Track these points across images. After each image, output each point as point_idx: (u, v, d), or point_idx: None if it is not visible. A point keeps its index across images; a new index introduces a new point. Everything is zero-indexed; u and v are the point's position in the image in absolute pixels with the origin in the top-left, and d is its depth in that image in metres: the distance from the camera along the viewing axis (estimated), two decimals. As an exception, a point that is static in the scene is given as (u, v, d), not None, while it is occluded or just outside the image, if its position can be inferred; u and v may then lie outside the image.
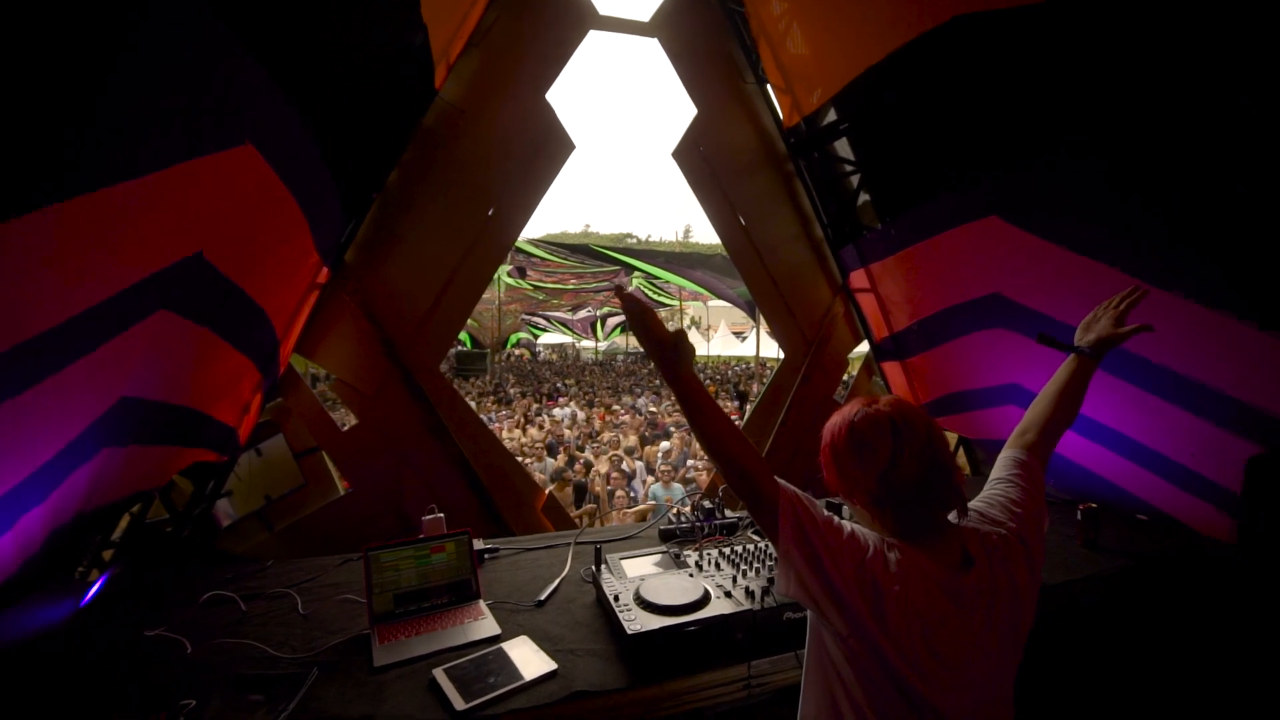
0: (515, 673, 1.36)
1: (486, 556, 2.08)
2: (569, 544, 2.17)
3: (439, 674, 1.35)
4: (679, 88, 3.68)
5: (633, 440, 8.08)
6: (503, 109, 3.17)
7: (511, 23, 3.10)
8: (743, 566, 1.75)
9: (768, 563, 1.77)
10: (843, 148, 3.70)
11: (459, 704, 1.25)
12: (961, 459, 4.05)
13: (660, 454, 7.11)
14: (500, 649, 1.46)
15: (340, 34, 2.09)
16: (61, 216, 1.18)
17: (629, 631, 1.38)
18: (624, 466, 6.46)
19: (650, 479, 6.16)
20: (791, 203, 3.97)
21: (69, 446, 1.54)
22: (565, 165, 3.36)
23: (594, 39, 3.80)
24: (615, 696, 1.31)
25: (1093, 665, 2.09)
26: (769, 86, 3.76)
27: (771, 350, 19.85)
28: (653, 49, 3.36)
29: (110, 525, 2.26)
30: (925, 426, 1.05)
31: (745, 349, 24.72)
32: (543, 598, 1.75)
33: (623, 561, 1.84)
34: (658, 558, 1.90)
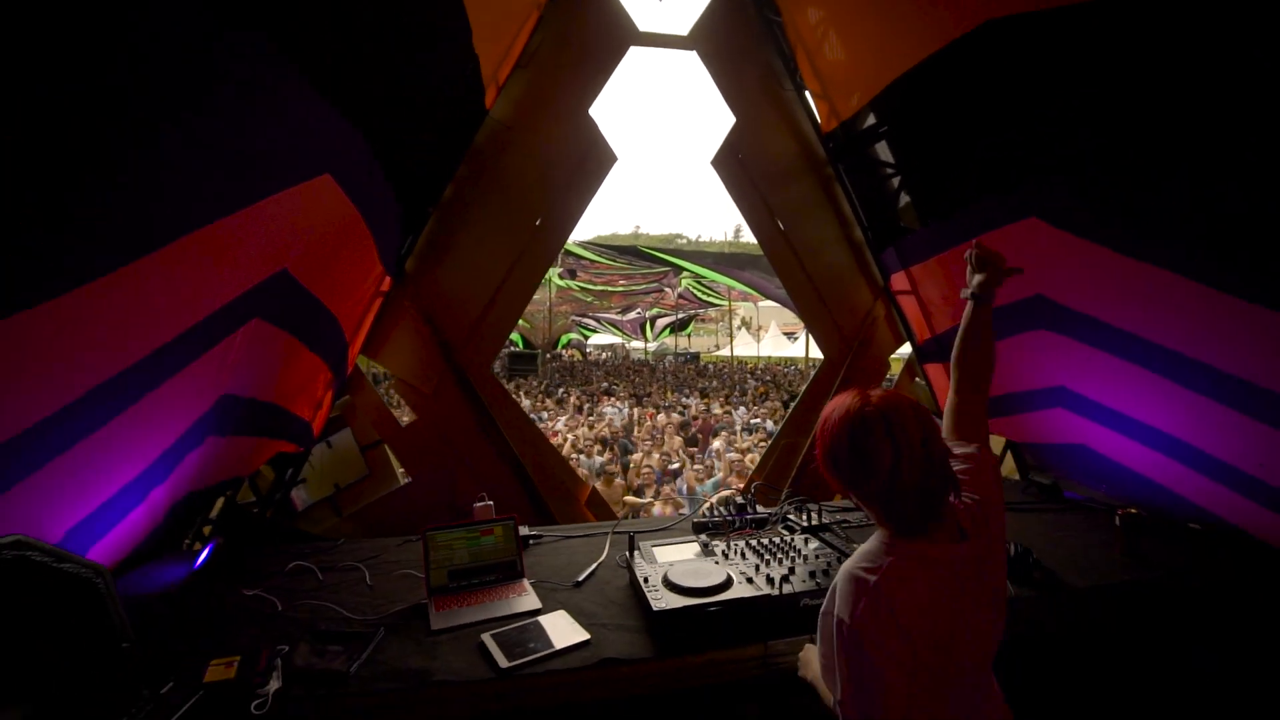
0: (552, 640, 1.53)
1: (531, 541, 2.27)
2: (607, 533, 2.32)
3: (486, 638, 1.53)
4: (718, 97, 3.79)
5: (678, 440, 8.22)
6: (549, 125, 3.37)
7: (556, 44, 3.30)
8: (766, 557, 1.85)
9: (792, 554, 1.87)
10: (882, 151, 3.72)
11: (503, 662, 1.43)
12: (1009, 464, 3.97)
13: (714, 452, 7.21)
14: (539, 621, 1.63)
15: (400, 68, 2.33)
16: (177, 250, 1.43)
17: (654, 608, 1.52)
18: (672, 466, 6.62)
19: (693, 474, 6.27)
20: (831, 206, 4.00)
21: (185, 434, 1.82)
22: (608, 176, 3.54)
23: (635, 55, 3.95)
24: (640, 665, 1.46)
25: (1118, 675, 2.06)
26: (807, 93, 3.82)
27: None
28: (693, 60, 3.46)
29: (209, 505, 2.58)
30: (919, 427, 1.06)
31: (796, 350, 24.35)
32: (580, 579, 1.91)
33: (655, 549, 1.98)
34: (688, 547, 2.03)
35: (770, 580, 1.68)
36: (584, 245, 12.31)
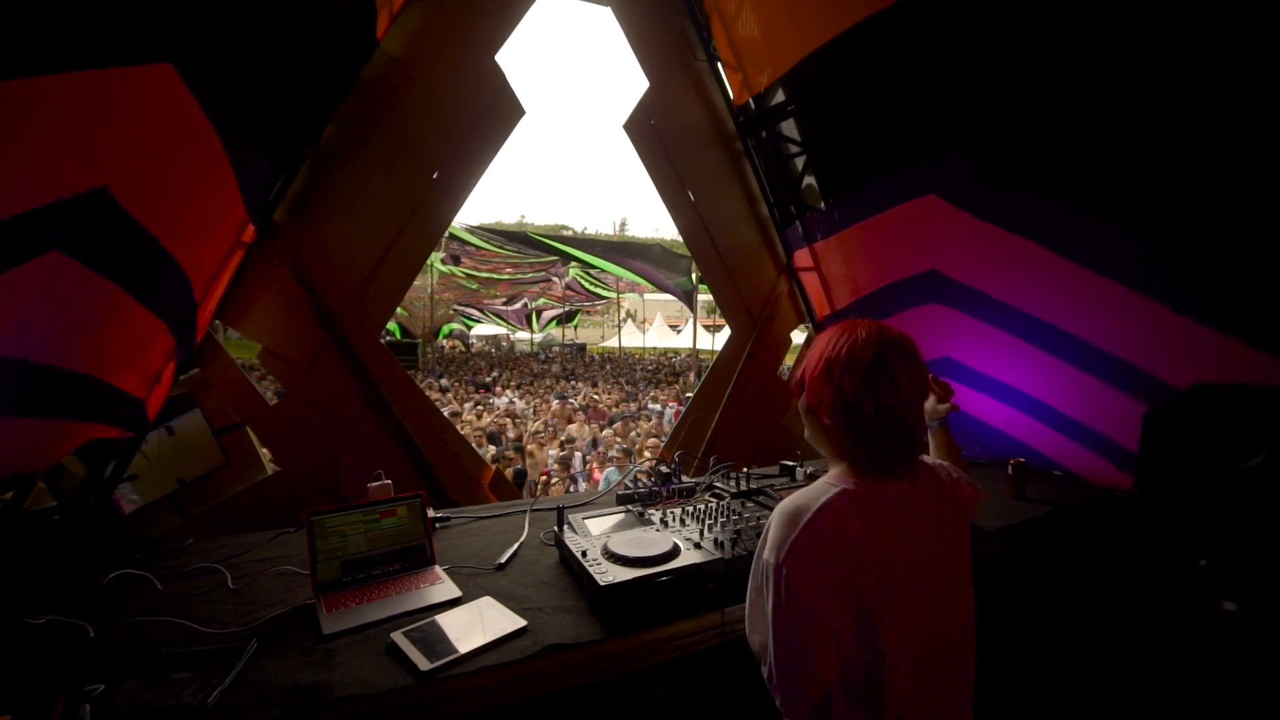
0: (482, 631, 1.29)
1: (438, 525, 1.98)
2: (525, 511, 2.10)
3: (398, 637, 1.25)
4: (621, 62, 3.63)
5: (572, 430, 8.02)
6: (449, 67, 3.00)
7: (459, -25, 2.94)
8: (708, 521, 1.75)
9: (732, 518, 1.78)
10: (790, 128, 3.78)
11: (423, 664, 1.17)
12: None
13: (615, 436, 7.09)
14: (434, 620, 1.37)
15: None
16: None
17: (601, 584, 1.35)
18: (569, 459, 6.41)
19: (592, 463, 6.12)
20: (740, 182, 4.01)
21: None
22: (514, 131, 3.24)
23: (545, 4, 3.68)
24: (591, 649, 1.27)
25: (1030, 600, 2.27)
26: (720, 64, 3.78)
27: (706, 343, 20.28)
28: (600, 18, 3.29)
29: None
30: (922, 369, 1.06)
31: (680, 341, 25.10)
32: (503, 560, 1.68)
33: (586, 521, 1.79)
34: (620, 517, 1.87)
35: (719, 544, 1.57)
36: (470, 230, 11.60)
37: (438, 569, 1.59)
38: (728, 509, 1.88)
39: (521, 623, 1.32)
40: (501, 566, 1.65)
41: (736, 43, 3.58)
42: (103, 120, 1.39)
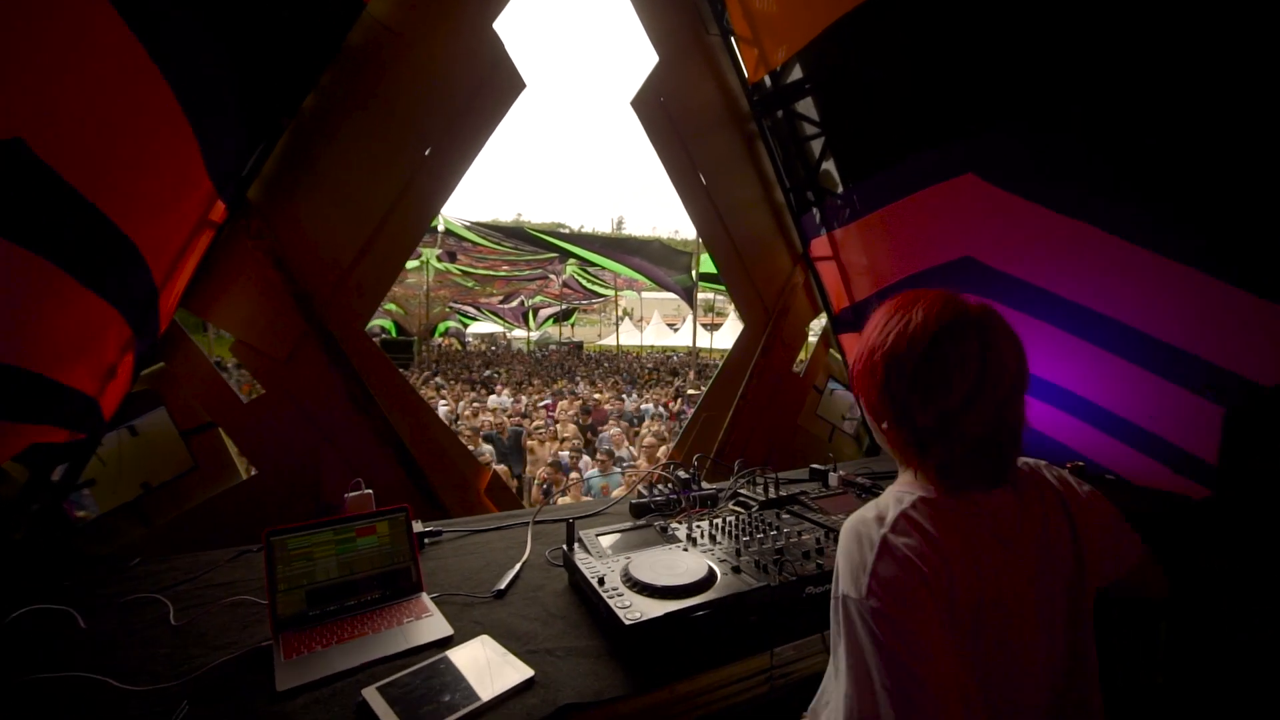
0: (474, 686, 1.03)
1: (427, 541, 1.72)
2: (526, 523, 1.84)
3: (372, 695, 0.99)
4: (627, 36, 3.38)
5: (571, 429, 7.77)
6: (444, 35, 2.74)
7: (452, -68, 2.68)
8: (743, 538, 1.49)
9: (770, 533, 1.53)
10: (807, 108, 3.53)
11: (402, 733, 0.91)
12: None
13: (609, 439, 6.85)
14: (450, 657, 1.12)
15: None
16: None
17: (627, 622, 1.09)
18: (567, 458, 6.16)
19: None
20: (754, 165, 3.76)
21: None
22: (513, 106, 2.98)
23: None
24: (616, 706, 1.01)
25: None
26: (734, 39, 3.53)
27: (705, 341, 20.04)
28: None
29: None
30: (1015, 353, 0.82)
31: (678, 340, 24.86)
32: (502, 586, 1.42)
33: (599, 538, 1.53)
34: (637, 532, 1.61)
35: (761, 567, 1.32)
36: (467, 226, 11.33)
37: (425, 598, 1.34)
38: (761, 521, 1.63)
39: (528, 672, 1.06)
40: (501, 593, 1.40)
41: (753, 15, 3.32)
42: (31, 65, 1.13)
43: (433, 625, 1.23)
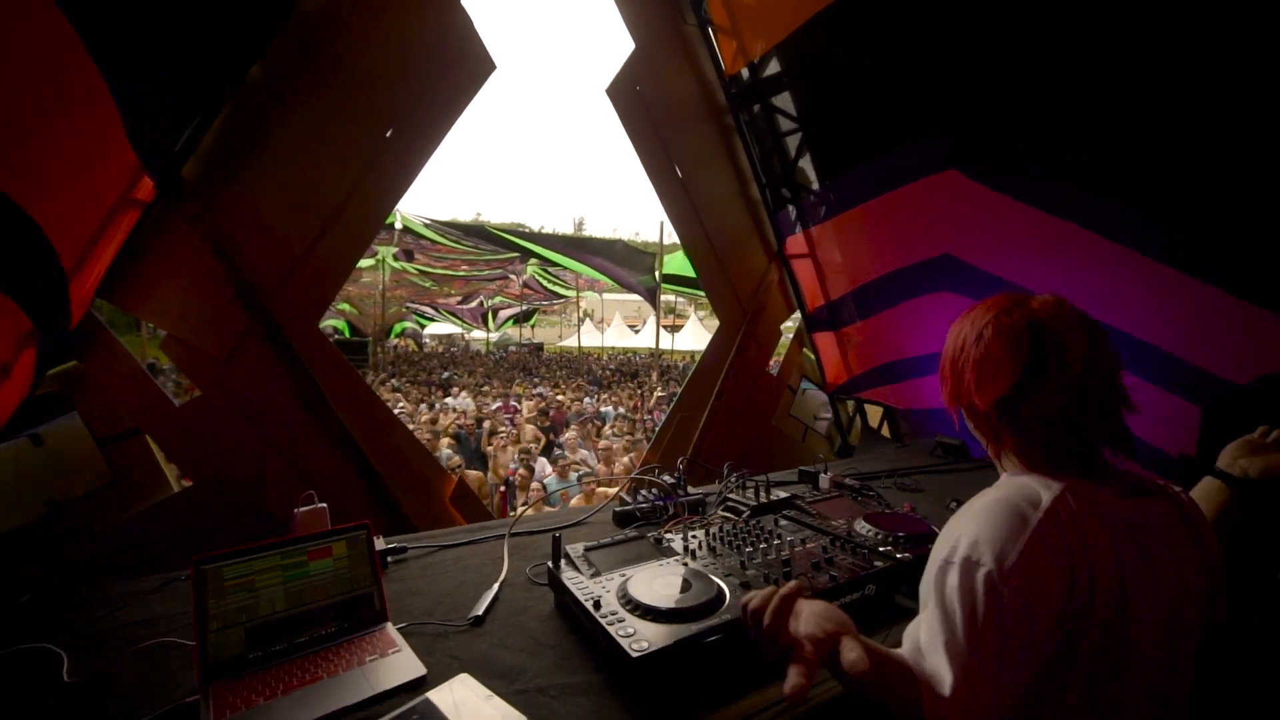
0: (459, 736, 0.87)
1: (391, 560, 1.53)
2: (502, 536, 1.67)
3: (330, 755, 0.82)
4: (592, 27, 3.26)
5: (530, 431, 7.55)
6: (409, 8, 2.54)
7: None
8: (745, 549, 1.37)
9: (774, 542, 1.41)
10: (785, 103, 3.47)
11: (369, 808, 0.74)
12: (887, 432, 4.01)
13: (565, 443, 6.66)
14: (428, 700, 0.95)
15: None
16: None
17: (633, 655, 0.95)
18: (531, 463, 5.94)
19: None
20: (730, 159, 3.68)
21: None
22: (482, 88, 2.79)
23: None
24: (623, 756, 0.87)
25: None
26: (712, 30, 3.44)
27: (667, 343, 20.00)
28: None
29: None
30: (1110, 352, 0.82)
31: (639, 341, 24.79)
32: (480, 611, 1.25)
33: (588, 553, 1.38)
34: (627, 545, 1.46)
35: (769, 580, 1.19)
36: (425, 224, 10.92)
37: (390, 629, 1.15)
38: (760, 529, 1.52)
39: (520, 719, 0.90)
40: (479, 620, 1.22)
41: (732, 5, 3.24)
42: None
43: (401, 663, 1.05)
